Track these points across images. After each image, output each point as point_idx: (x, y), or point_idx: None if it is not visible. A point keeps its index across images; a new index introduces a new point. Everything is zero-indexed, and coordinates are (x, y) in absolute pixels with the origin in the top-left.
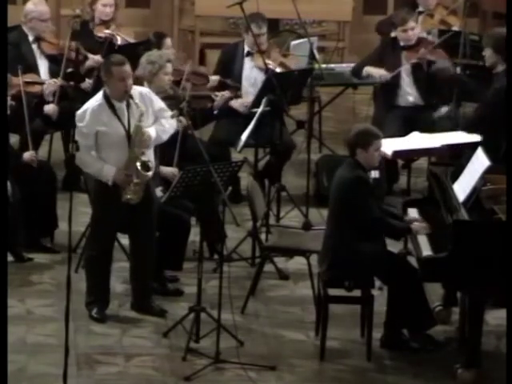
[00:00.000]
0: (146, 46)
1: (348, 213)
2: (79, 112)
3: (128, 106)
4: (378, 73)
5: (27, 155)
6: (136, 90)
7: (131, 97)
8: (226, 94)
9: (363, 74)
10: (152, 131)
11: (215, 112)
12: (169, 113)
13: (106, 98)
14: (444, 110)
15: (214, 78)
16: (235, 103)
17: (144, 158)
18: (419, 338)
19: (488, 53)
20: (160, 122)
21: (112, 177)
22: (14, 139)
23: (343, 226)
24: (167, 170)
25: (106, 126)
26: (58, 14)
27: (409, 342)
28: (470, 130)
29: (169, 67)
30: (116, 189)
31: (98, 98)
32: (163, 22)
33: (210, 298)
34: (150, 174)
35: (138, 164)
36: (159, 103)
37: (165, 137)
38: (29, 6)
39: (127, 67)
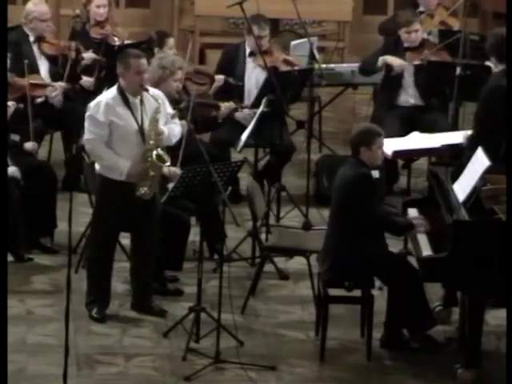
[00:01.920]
0: (148, 45)
1: (350, 211)
2: (92, 104)
3: (142, 102)
4: (398, 63)
5: (28, 145)
6: (150, 90)
7: (146, 90)
8: (232, 105)
9: (378, 64)
10: (165, 130)
11: (219, 121)
12: (177, 119)
13: (121, 91)
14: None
15: (220, 78)
16: (239, 115)
17: (160, 151)
18: (419, 338)
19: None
20: (170, 126)
21: (127, 170)
22: (14, 138)
23: (344, 225)
24: (171, 172)
25: (119, 118)
26: (57, 14)
27: (409, 342)
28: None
29: (179, 74)
30: (120, 188)
31: (111, 91)
32: (163, 22)
33: (210, 298)
34: (167, 165)
35: (154, 155)
36: (169, 108)
37: (174, 140)
38: (29, 6)
39: (144, 61)
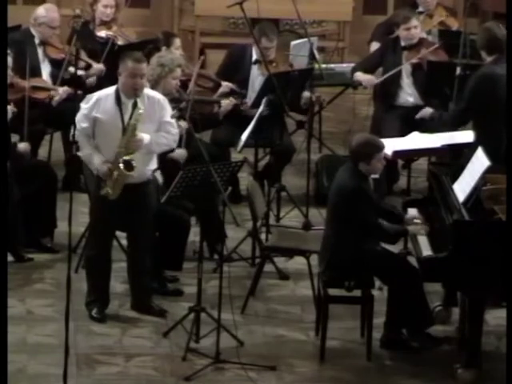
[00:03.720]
0: (155, 45)
1: (346, 219)
2: (88, 95)
3: (135, 105)
4: (364, 79)
5: (22, 146)
6: (150, 93)
7: (137, 95)
8: (231, 101)
9: (353, 78)
10: (146, 137)
11: (220, 118)
12: (174, 129)
13: (117, 91)
14: (428, 111)
15: (227, 85)
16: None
17: (128, 157)
18: (419, 338)
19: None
20: (159, 134)
21: (97, 165)
22: (13, 139)
23: (342, 227)
24: (176, 153)
25: (106, 114)
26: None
27: (409, 342)
28: (456, 121)
29: (178, 72)
30: None
31: (110, 89)
32: (163, 22)
33: (210, 298)
34: (132, 173)
35: (121, 161)
36: (168, 115)
37: (157, 149)
38: (40, 10)
39: (142, 66)
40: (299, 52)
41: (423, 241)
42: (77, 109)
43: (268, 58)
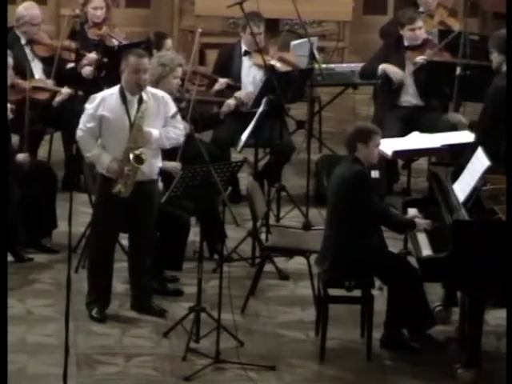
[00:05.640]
0: (146, 46)
1: (349, 210)
2: (92, 96)
3: (140, 102)
4: (396, 74)
5: (20, 157)
6: (153, 90)
7: (141, 89)
8: (232, 102)
9: (379, 72)
10: (154, 131)
11: (221, 118)
12: (180, 124)
13: (121, 89)
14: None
15: (223, 81)
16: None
17: (138, 152)
18: (419, 338)
19: (494, 55)
20: (167, 129)
21: (107, 164)
22: (13, 139)
23: (342, 225)
24: (170, 165)
25: (112, 112)
26: (57, 14)
27: (409, 342)
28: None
29: (179, 71)
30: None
31: (114, 88)
32: (163, 22)
33: (210, 298)
34: (143, 167)
35: (132, 156)
36: (173, 111)
37: (168, 143)
38: (20, 10)
39: (145, 61)
40: (299, 52)
41: (423, 240)
42: (77, 109)
43: (258, 46)
